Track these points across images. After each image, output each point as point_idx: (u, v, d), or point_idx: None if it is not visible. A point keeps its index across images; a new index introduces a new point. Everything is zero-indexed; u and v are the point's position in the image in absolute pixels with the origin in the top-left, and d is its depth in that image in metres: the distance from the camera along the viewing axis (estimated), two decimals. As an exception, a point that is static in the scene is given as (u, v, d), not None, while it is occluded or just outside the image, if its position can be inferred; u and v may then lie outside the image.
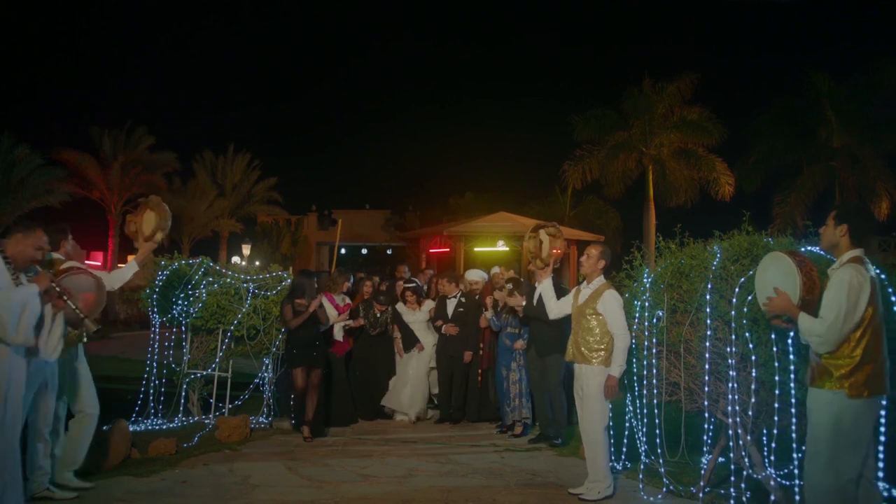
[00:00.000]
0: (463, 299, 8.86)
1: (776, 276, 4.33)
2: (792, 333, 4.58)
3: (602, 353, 5.67)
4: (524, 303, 7.59)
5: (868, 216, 4.32)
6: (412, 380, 8.81)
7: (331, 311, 8.29)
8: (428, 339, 9.03)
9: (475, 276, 9.24)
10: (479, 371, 8.71)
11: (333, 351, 8.47)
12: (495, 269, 9.14)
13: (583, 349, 5.76)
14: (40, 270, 4.72)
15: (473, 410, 8.72)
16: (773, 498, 5.13)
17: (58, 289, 4.79)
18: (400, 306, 9.15)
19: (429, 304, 9.23)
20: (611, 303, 5.69)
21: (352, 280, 9.32)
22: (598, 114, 24.77)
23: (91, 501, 5.41)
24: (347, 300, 8.82)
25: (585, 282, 5.98)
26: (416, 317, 9.10)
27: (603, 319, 5.70)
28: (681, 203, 23.92)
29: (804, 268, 4.18)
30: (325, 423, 8.07)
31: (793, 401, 4.81)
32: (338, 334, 8.59)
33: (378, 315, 8.93)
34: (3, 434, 4.50)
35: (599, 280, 5.87)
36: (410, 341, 8.98)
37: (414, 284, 9.35)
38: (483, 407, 8.72)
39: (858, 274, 3.94)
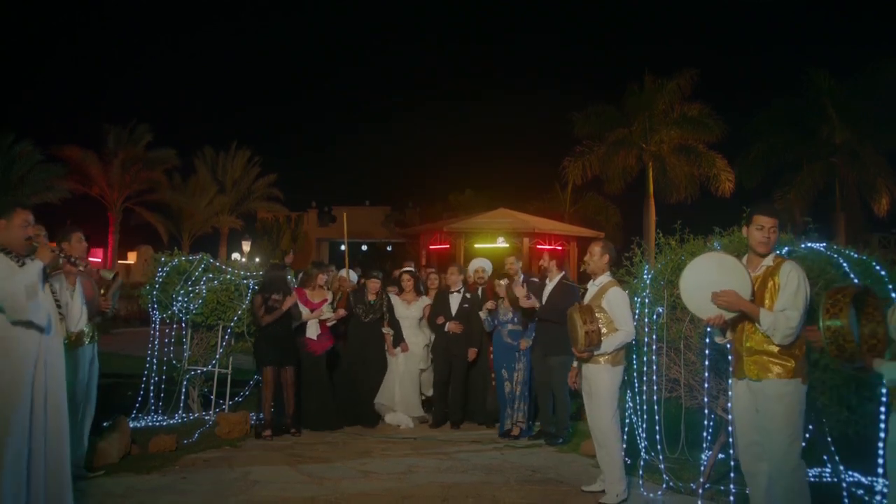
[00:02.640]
0: (468, 294, 8.35)
1: (720, 275, 4.31)
2: (709, 329, 4.81)
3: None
4: (538, 305, 7.32)
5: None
6: (401, 378, 8.26)
7: (301, 309, 7.88)
8: (417, 338, 8.43)
9: (480, 264, 8.58)
10: (492, 374, 8.11)
11: (310, 350, 7.93)
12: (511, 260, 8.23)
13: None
14: (39, 245, 4.66)
15: (478, 412, 8.29)
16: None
17: (62, 255, 4.72)
18: (394, 298, 8.52)
19: (423, 301, 8.63)
20: (615, 300, 5.54)
21: (355, 276, 8.99)
22: (599, 110, 24.78)
23: (91, 498, 5.41)
24: (327, 296, 8.21)
25: (592, 279, 5.83)
26: (409, 312, 8.48)
27: (607, 317, 5.53)
28: (681, 199, 23.97)
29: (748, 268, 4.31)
30: (299, 422, 7.76)
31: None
32: (312, 332, 7.98)
33: (371, 301, 8.30)
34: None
35: (605, 277, 5.71)
36: (398, 338, 8.33)
37: (412, 270, 8.85)
38: (488, 408, 8.23)
39: (802, 270, 4.22)
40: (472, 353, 8.16)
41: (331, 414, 7.96)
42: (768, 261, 4.31)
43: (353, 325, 8.36)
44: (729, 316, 4.31)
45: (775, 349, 4.17)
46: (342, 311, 8.17)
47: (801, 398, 4.19)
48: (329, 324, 8.12)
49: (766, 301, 4.21)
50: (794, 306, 4.08)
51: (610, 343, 5.46)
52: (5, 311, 4.25)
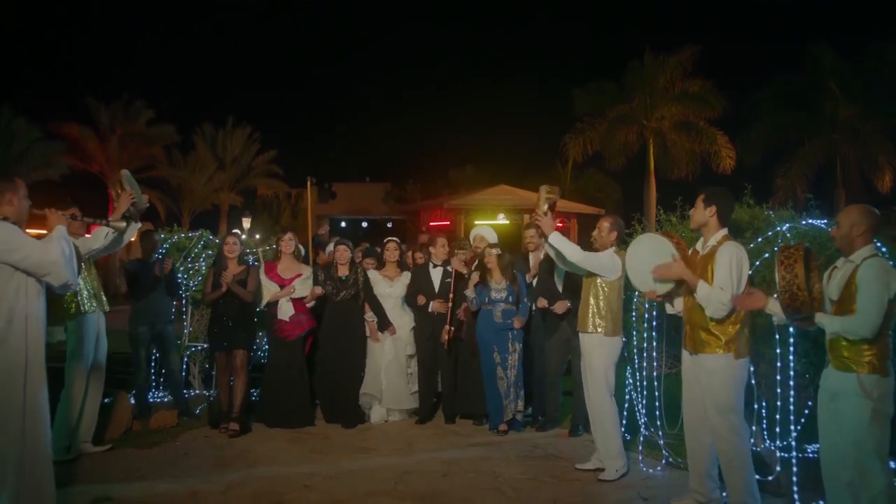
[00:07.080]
0: (450, 268, 7.31)
1: (654, 254, 4.67)
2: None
3: (605, 323, 5.49)
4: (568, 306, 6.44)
5: (732, 200, 4.78)
6: (387, 367, 7.20)
7: (270, 287, 7.05)
8: (403, 320, 7.33)
9: (479, 232, 7.71)
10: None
11: (283, 335, 7.04)
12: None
13: (589, 317, 5.57)
14: (47, 211, 4.67)
15: (479, 404, 7.09)
16: (778, 470, 5.16)
17: (68, 214, 4.80)
18: (373, 275, 7.36)
19: (406, 277, 7.51)
20: (605, 253, 5.56)
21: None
22: (599, 86, 24.65)
23: (92, 473, 5.45)
24: (301, 271, 7.20)
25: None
26: (392, 290, 7.35)
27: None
28: (682, 176, 23.88)
29: (681, 250, 4.68)
30: (247, 417, 6.94)
31: (791, 373, 4.82)
32: (283, 313, 7.03)
33: (343, 277, 7.16)
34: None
35: (611, 250, 5.62)
36: (383, 322, 7.21)
37: (397, 240, 7.70)
38: (480, 400, 7.07)
39: (739, 250, 4.46)
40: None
41: (305, 410, 7.07)
42: (713, 241, 4.56)
43: (325, 307, 7.25)
44: (662, 290, 4.70)
45: (710, 324, 4.44)
46: (318, 290, 7.12)
47: (735, 373, 4.42)
48: (307, 304, 7.16)
49: (707, 278, 4.48)
50: (725, 285, 4.35)
51: (562, 240, 5.46)
52: (48, 278, 4.27)
